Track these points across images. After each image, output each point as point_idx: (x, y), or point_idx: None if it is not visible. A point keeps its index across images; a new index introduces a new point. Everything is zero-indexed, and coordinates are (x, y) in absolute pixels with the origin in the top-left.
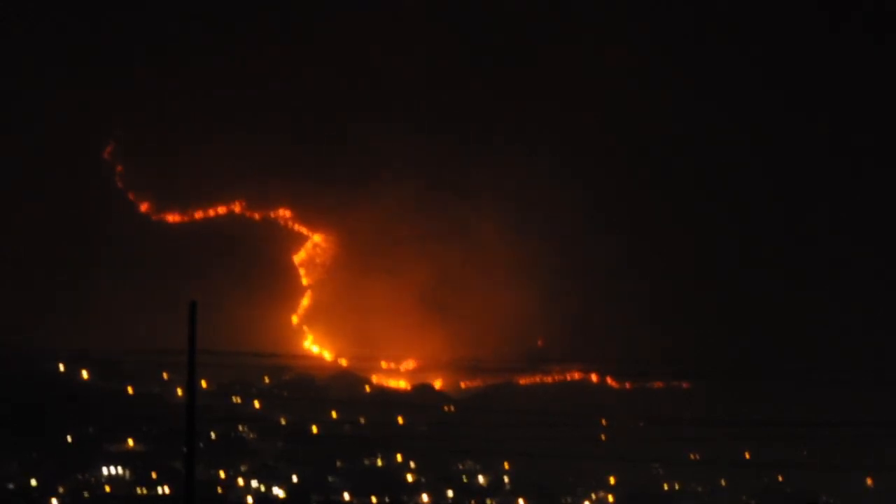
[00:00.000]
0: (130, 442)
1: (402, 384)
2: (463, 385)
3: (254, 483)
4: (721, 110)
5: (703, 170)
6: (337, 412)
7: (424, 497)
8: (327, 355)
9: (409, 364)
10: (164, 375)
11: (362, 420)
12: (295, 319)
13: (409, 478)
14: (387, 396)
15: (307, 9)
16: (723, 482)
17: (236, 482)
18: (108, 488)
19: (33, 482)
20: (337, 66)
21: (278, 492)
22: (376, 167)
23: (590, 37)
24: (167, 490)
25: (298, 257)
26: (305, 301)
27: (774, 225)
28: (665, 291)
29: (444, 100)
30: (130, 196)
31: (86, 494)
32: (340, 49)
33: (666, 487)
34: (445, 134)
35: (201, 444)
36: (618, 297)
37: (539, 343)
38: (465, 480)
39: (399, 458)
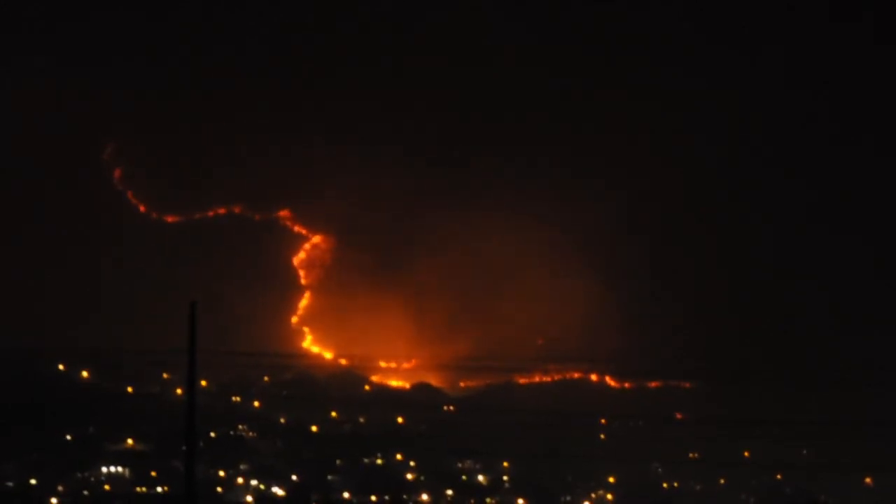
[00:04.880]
0: (130, 441)
1: (401, 383)
2: (463, 385)
3: (253, 482)
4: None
5: (702, 167)
6: (337, 412)
7: (424, 496)
8: (327, 355)
9: (408, 363)
10: (164, 375)
11: (362, 419)
12: (295, 320)
13: (409, 477)
14: (387, 396)
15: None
16: (722, 482)
17: (236, 481)
18: (107, 487)
19: (33, 481)
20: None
21: (278, 491)
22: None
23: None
24: (167, 489)
25: (298, 258)
26: (305, 301)
27: (776, 226)
28: (667, 292)
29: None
30: (130, 196)
31: (86, 493)
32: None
33: (665, 487)
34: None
35: (201, 444)
36: (618, 297)
37: (539, 342)
38: (464, 479)
39: (399, 457)
